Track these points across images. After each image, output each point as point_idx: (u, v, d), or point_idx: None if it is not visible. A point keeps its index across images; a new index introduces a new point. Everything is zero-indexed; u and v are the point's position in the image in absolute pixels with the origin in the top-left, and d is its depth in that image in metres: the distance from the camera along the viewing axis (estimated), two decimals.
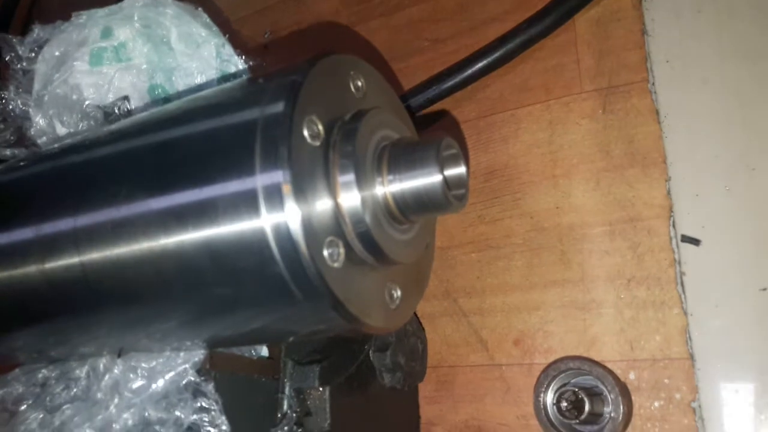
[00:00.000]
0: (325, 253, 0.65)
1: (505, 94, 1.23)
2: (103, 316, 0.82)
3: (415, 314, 1.17)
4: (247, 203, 0.64)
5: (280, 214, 0.62)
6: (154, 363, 0.86)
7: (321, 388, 0.95)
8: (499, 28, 1.23)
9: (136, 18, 0.99)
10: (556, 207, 1.12)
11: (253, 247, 0.64)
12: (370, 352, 1.03)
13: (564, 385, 0.96)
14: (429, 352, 1.17)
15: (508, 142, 1.20)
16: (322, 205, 0.66)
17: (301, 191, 0.63)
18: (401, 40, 1.39)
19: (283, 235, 0.63)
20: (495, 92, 1.24)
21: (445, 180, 0.69)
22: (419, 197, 0.70)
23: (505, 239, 1.15)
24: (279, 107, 0.65)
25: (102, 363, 0.90)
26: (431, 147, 0.70)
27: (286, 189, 0.62)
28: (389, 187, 0.71)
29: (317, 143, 0.67)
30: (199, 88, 0.98)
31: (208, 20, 0.93)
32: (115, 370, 0.88)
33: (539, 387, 0.97)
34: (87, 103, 1.03)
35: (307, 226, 0.63)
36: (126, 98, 1.04)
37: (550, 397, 0.95)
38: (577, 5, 1.16)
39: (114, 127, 0.86)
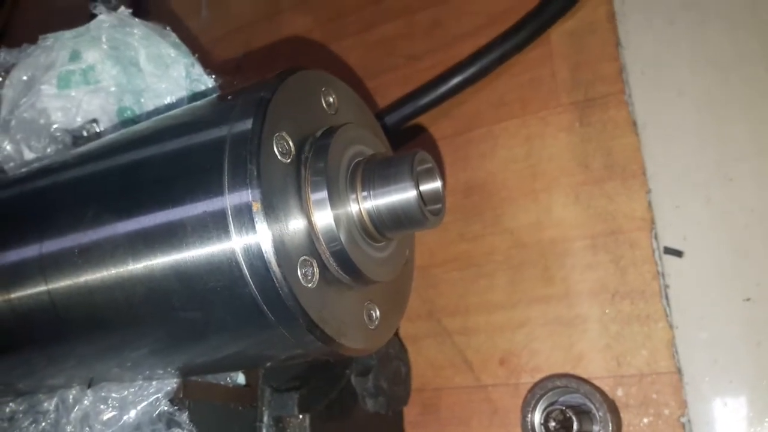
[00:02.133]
0: (299, 273, 0.63)
1: (481, 109, 1.22)
2: (72, 346, 0.79)
3: (398, 336, 1.14)
4: (216, 223, 0.62)
5: (250, 233, 0.60)
6: (125, 393, 0.83)
7: (301, 416, 0.91)
8: (473, 43, 1.22)
9: (103, 40, 0.97)
10: (537, 222, 1.11)
11: (224, 269, 0.62)
12: (352, 376, 1.00)
13: (552, 404, 0.93)
14: (413, 374, 1.14)
15: (485, 159, 1.19)
16: (295, 223, 0.64)
17: (272, 209, 0.61)
18: (375, 57, 1.39)
19: (254, 255, 0.60)
20: (471, 108, 1.23)
21: (420, 195, 0.67)
22: (395, 213, 0.68)
23: (487, 256, 1.13)
24: (247, 124, 0.63)
25: (71, 395, 0.87)
26: (405, 162, 0.68)
27: (256, 207, 0.60)
28: (364, 204, 0.69)
29: (288, 160, 0.65)
30: (168, 108, 0.96)
31: (176, 39, 0.91)
32: (85, 402, 0.84)
33: (526, 407, 0.94)
34: (54, 127, 1.00)
35: (279, 245, 0.61)
36: (95, 121, 1.02)
37: (537, 417, 0.92)
38: (551, 18, 1.15)
39: (81, 149, 0.84)
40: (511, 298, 1.09)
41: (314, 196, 0.66)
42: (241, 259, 0.61)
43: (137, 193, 0.69)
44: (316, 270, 0.65)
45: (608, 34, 1.14)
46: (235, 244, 0.61)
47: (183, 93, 0.96)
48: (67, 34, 0.97)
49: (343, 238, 0.66)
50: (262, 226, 0.60)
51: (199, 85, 0.94)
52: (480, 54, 1.19)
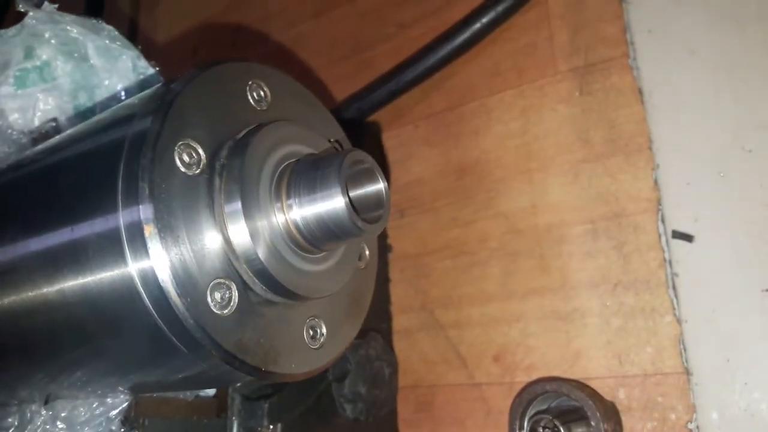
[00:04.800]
0: (210, 299, 0.56)
1: (474, 80, 1.11)
2: (14, 366, 0.75)
3: (387, 333, 1.07)
4: (112, 246, 0.56)
5: (144, 259, 0.53)
6: (76, 412, 0.79)
7: (271, 426, 0.86)
8: (466, 5, 1.11)
9: (47, 36, 0.91)
10: (533, 206, 1.00)
11: (126, 298, 0.56)
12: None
13: (541, 411, 0.85)
14: (406, 370, 1.07)
15: (479, 135, 1.09)
16: (207, 242, 0.57)
17: (170, 230, 0.54)
18: (367, 27, 1.29)
19: (152, 284, 0.54)
20: (464, 79, 1.13)
21: (351, 202, 0.59)
22: (323, 224, 0.60)
23: (480, 243, 1.04)
24: (143, 132, 0.56)
25: (29, 411, 0.84)
26: (333, 163, 0.59)
27: (149, 231, 0.53)
28: (290, 214, 0.61)
29: (195, 171, 0.58)
30: (118, 102, 0.90)
31: (114, 32, 0.84)
32: (38, 421, 0.81)
33: (513, 414, 0.86)
34: (9, 131, 0.96)
35: (181, 271, 0.54)
36: (54, 120, 0.97)
37: (525, 427, 0.84)
38: None
39: (14, 159, 0.79)
40: (505, 288, 1.00)
41: (228, 209, 0.58)
42: (141, 289, 0.54)
43: (46, 209, 0.64)
44: (235, 293, 0.58)
45: None
46: (133, 272, 0.54)
47: (131, 87, 0.89)
48: (9, 33, 0.91)
49: (262, 254, 0.58)
50: (157, 251, 0.53)
51: (145, 78, 0.87)
52: (470, 19, 1.08)
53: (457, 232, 1.07)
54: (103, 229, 0.56)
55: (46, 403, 0.82)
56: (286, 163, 0.63)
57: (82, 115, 0.93)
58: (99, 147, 0.61)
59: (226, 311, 0.57)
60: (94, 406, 0.78)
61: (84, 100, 0.94)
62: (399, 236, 1.13)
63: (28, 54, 0.97)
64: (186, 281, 0.54)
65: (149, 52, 0.92)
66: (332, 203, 0.59)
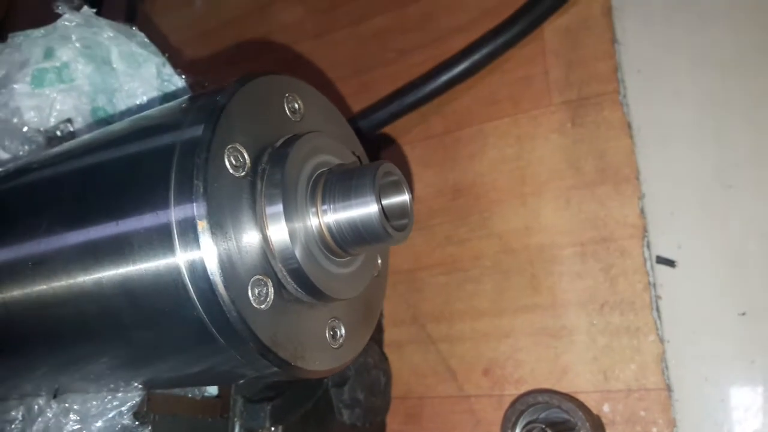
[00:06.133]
0: (250, 294, 0.59)
1: (472, 107, 1.18)
2: (29, 357, 0.77)
3: (379, 344, 1.11)
4: (161, 240, 0.59)
5: (195, 252, 0.57)
6: (88, 405, 0.81)
7: (273, 428, 0.89)
8: (465, 38, 1.18)
9: (74, 38, 0.93)
10: (526, 227, 1.06)
11: (170, 290, 0.59)
12: (330, 386, 0.97)
13: (533, 421, 0.90)
14: (397, 381, 1.11)
15: (475, 159, 1.14)
16: (248, 241, 0.61)
17: (219, 227, 0.58)
18: (367, 51, 1.34)
19: (200, 277, 0.57)
20: (462, 105, 1.19)
21: (383, 210, 0.64)
22: (356, 229, 0.64)
23: (474, 261, 1.10)
24: (197, 134, 0.60)
25: (37, 404, 0.85)
26: (367, 174, 0.64)
27: (201, 226, 0.57)
28: (324, 218, 0.65)
29: (241, 173, 0.62)
30: (140, 109, 0.93)
31: (145, 39, 0.88)
32: (48, 414, 0.82)
33: (506, 423, 0.91)
34: (26, 128, 0.98)
35: (227, 264, 0.57)
36: (69, 121, 0.99)
37: None
38: (544, 13, 1.10)
39: (43, 154, 0.81)
40: (497, 305, 1.06)
41: (269, 210, 0.62)
42: (188, 281, 0.58)
43: (87, 202, 0.66)
44: (271, 290, 0.61)
45: (604, 30, 1.09)
46: (181, 265, 0.57)
47: (155, 93, 0.92)
48: (36, 33, 0.94)
49: (299, 254, 0.62)
50: (208, 246, 0.56)
51: (170, 86, 0.91)
52: (470, 50, 1.15)
53: (451, 249, 1.12)
54: (153, 224, 0.59)
55: (54, 396, 0.84)
56: (320, 171, 0.68)
57: (104, 120, 0.95)
58: (147, 148, 0.64)
59: (263, 306, 0.60)
60: (107, 399, 0.80)
61: (103, 103, 0.97)
62: (393, 251, 1.17)
63: (48, 54, 0.99)
64: (232, 276, 0.57)
65: None
66: (366, 209, 0.63)
